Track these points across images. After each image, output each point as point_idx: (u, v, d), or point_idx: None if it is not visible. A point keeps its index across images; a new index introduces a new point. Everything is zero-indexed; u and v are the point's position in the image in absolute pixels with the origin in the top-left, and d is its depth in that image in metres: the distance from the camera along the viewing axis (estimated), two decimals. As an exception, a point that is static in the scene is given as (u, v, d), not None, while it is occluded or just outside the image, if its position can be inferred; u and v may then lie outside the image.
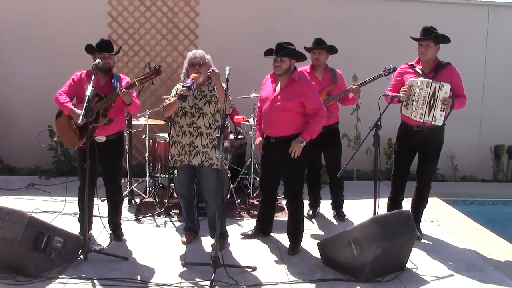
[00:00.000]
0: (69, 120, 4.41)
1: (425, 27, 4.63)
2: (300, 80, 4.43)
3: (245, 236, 4.85)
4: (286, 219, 4.73)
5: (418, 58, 4.73)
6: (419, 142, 4.73)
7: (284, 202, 5.46)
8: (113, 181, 4.61)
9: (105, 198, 4.72)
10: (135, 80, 4.32)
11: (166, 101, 4.45)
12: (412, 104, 4.62)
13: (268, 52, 4.46)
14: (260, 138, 4.69)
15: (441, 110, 4.50)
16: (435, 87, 4.50)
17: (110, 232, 4.68)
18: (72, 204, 4.80)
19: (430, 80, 4.53)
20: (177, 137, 4.47)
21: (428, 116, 4.55)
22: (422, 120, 4.59)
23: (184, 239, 4.71)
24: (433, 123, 4.55)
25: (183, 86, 4.14)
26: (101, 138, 4.38)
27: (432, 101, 4.51)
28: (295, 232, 4.62)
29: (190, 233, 4.76)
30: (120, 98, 4.27)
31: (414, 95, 4.60)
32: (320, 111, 4.40)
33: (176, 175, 4.76)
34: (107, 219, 4.70)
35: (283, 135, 4.41)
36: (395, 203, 4.95)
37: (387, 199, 5.02)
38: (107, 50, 4.37)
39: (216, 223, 3.95)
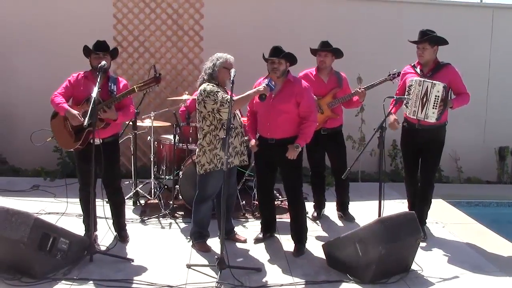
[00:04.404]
0: (64, 122, 4.39)
1: (421, 30, 4.73)
2: (295, 82, 4.49)
3: (258, 240, 4.81)
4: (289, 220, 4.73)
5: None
6: (421, 140, 4.79)
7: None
8: (112, 183, 4.60)
9: (108, 199, 4.74)
10: (134, 87, 4.35)
11: (238, 97, 4.25)
12: (409, 102, 4.70)
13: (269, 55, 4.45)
14: (254, 140, 4.69)
15: (433, 108, 4.55)
16: (427, 86, 4.57)
17: (115, 233, 4.69)
18: (75, 205, 4.80)
19: (423, 79, 4.61)
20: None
21: (421, 113, 4.62)
22: (415, 117, 4.68)
23: (204, 248, 4.55)
24: (425, 119, 4.62)
25: (267, 85, 4.19)
26: (96, 141, 4.32)
27: (424, 99, 4.58)
28: (298, 233, 4.63)
29: (205, 240, 4.62)
30: (117, 101, 4.29)
31: (411, 94, 4.67)
32: (311, 115, 4.43)
33: (181, 178, 4.72)
34: (112, 220, 4.71)
35: (284, 137, 4.44)
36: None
37: (392, 201, 5.02)
38: (101, 50, 4.38)
39: (222, 223, 3.97)
